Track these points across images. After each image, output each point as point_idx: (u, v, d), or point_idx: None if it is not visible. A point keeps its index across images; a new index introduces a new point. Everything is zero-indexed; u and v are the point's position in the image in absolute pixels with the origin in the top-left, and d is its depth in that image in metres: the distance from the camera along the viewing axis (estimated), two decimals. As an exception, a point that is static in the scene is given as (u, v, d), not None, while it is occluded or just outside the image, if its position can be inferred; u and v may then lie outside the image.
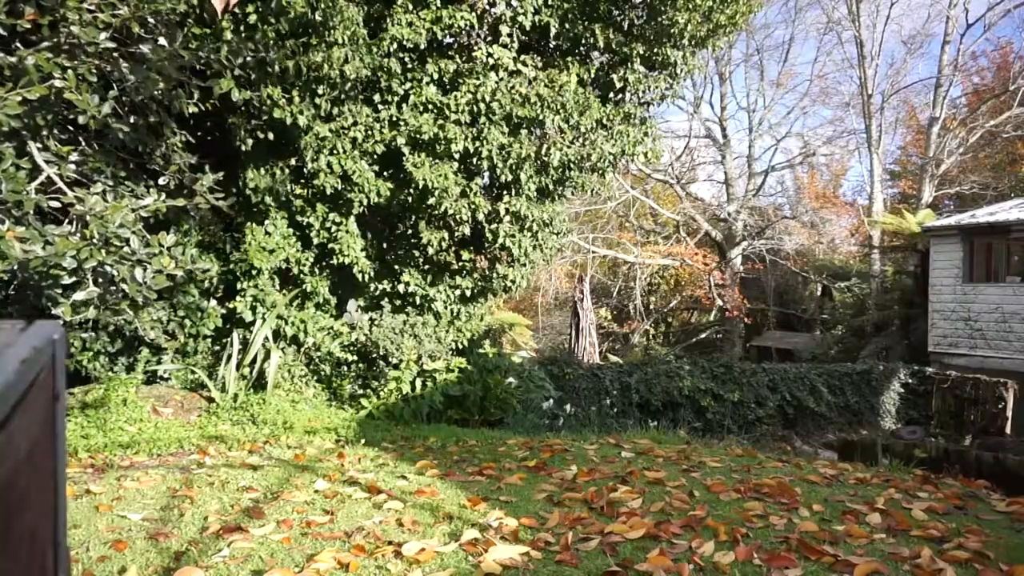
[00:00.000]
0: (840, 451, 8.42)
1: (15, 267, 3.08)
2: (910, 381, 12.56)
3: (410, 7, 6.15)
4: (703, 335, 22.81)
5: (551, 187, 7.02)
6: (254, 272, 5.95)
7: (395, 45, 6.08)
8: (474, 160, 6.49)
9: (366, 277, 6.56)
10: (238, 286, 5.98)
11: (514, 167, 6.54)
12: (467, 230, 6.82)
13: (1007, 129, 20.27)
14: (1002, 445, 9.08)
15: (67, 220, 3.65)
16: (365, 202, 6.26)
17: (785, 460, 4.10)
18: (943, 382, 11.73)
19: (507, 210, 6.76)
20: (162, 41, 3.76)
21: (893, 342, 15.23)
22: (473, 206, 6.59)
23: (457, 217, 6.61)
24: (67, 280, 3.43)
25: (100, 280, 3.38)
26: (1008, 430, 10.59)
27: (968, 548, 2.35)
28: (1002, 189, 20.85)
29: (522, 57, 6.67)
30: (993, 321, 12.49)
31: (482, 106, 6.33)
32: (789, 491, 3.04)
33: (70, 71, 3.25)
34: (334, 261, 6.39)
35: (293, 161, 6.05)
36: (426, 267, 7.05)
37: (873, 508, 2.81)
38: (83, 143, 4.09)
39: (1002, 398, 10.79)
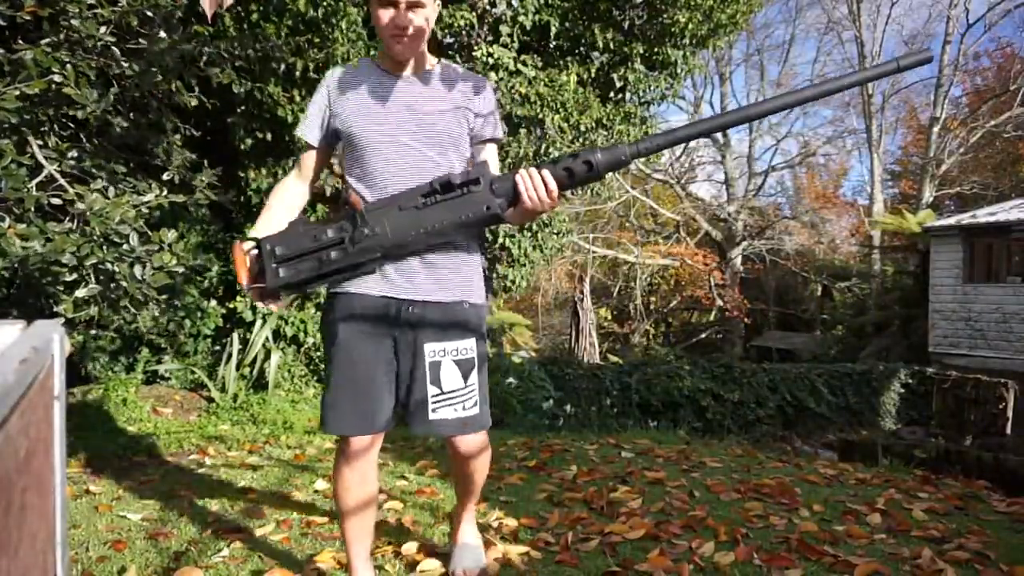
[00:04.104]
0: (840, 451, 8.41)
1: (15, 264, 3.07)
2: (910, 381, 12.55)
3: (410, 7, 6.15)
4: (703, 335, 22.82)
5: (551, 187, 7.02)
6: (254, 272, 5.95)
7: (395, 45, 6.09)
8: (474, 160, 6.49)
9: (366, 277, 6.56)
10: (238, 286, 5.98)
11: (513, 166, 6.54)
12: (467, 230, 6.81)
13: (1008, 129, 20.27)
14: (1003, 445, 9.08)
15: (68, 218, 3.64)
16: (365, 202, 6.25)
17: (785, 460, 4.09)
18: (943, 382, 11.72)
19: (507, 210, 6.76)
20: (162, 34, 3.74)
21: (893, 342, 15.23)
22: (473, 206, 6.59)
23: (457, 217, 6.60)
24: (68, 278, 3.41)
25: (101, 278, 3.37)
26: (1009, 430, 10.59)
27: (969, 548, 2.35)
28: (1003, 189, 20.86)
29: (522, 57, 6.65)
30: (994, 321, 12.49)
31: (482, 106, 6.33)
32: (789, 491, 3.03)
33: (69, 66, 3.24)
34: (334, 261, 6.39)
35: (292, 161, 6.06)
36: (426, 267, 7.05)
37: (873, 508, 2.81)
38: (83, 140, 4.08)
39: (1003, 398, 10.78)
